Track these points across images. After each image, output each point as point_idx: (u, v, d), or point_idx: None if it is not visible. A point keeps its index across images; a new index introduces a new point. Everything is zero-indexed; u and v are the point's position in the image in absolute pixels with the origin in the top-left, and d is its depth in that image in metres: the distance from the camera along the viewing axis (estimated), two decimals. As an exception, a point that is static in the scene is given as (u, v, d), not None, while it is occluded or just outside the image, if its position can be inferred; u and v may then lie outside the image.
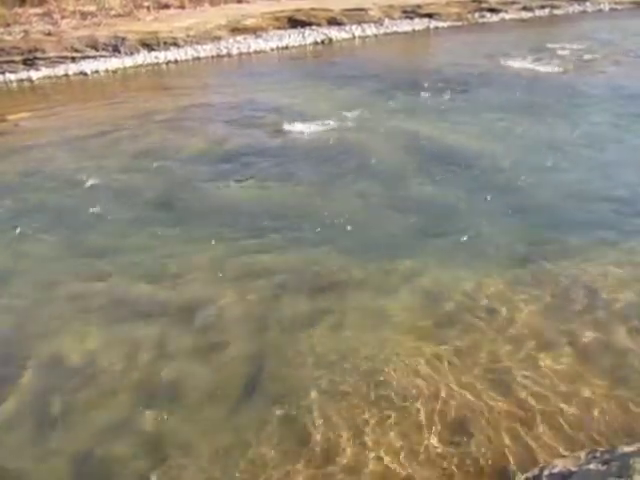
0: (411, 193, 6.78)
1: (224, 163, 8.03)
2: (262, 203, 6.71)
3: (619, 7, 20.82)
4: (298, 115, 9.99)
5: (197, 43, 17.00)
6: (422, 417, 3.45)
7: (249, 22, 18.76)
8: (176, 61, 15.99)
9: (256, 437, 3.41)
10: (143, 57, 16.01)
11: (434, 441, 3.28)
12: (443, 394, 3.63)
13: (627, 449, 2.52)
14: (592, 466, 2.34)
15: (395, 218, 6.18)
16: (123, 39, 16.39)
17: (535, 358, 3.95)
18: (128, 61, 15.70)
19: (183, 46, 16.76)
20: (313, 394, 3.71)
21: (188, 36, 17.22)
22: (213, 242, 5.80)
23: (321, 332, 4.35)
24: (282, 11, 19.73)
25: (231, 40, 17.56)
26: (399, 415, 3.51)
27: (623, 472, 2.16)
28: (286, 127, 9.40)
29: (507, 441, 3.21)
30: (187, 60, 16.10)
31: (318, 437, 3.38)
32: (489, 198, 6.50)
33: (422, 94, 11.02)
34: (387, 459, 3.18)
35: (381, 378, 3.82)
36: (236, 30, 18.33)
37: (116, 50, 16.05)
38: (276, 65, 15.40)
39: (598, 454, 2.58)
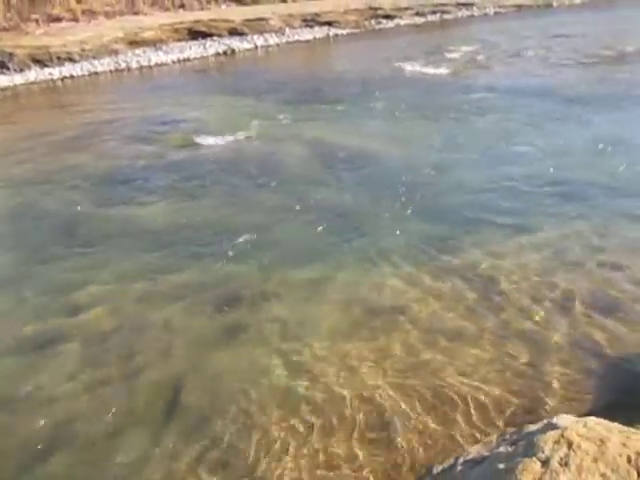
0: (320, 199, 6.91)
1: (130, 181, 7.80)
2: (170, 220, 6.59)
3: (503, 11, 22.30)
4: (204, 128, 9.90)
5: (94, 57, 16.39)
6: (345, 419, 3.54)
7: (147, 34, 18.33)
8: (72, 77, 15.33)
9: (178, 466, 3.34)
10: (35, 73, 15.22)
11: (356, 441, 3.36)
12: (364, 394, 3.73)
13: (532, 427, 2.72)
14: (502, 449, 2.52)
15: (306, 226, 6.27)
16: (11, 54, 15.49)
17: (448, 350, 4.15)
18: (18, 78, 14.86)
19: (79, 61, 16.10)
20: (233, 410, 3.69)
21: (83, 50, 16.55)
22: (121, 264, 5.63)
23: (239, 346, 4.34)
24: (181, 22, 19.45)
25: (130, 53, 17.08)
26: (323, 420, 3.57)
27: (529, 451, 2.34)
28: (192, 141, 9.28)
29: (426, 434, 3.37)
30: (84, 75, 15.49)
31: (246, 457, 3.38)
32: (394, 199, 6.75)
33: (326, 101, 11.27)
34: (310, 464, 3.24)
35: (303, 387, 3.87)
36: (134, 43, 17.86)
37: (4, 67, 15.13)
38: (179, 78, 15.15)
39: (508, 436, 2.77)
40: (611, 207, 6.25)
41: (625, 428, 2.56)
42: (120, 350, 4.39)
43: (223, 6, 22.74)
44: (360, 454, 3.27)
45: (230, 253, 5.77)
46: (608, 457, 2.25)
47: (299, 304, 4.87)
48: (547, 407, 3.48)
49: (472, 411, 3.51)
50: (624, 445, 2.34)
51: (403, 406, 3.60)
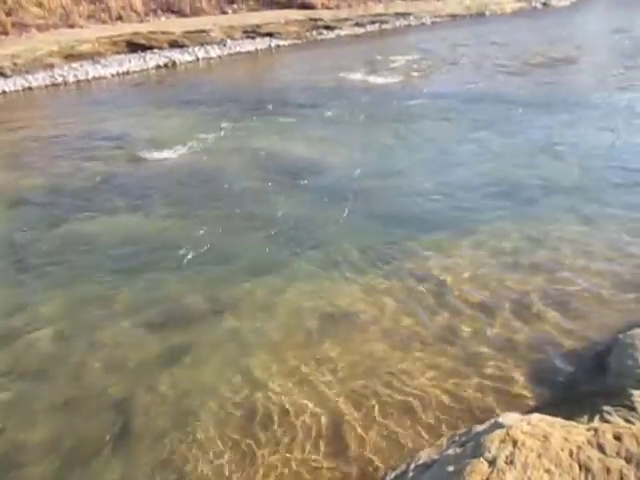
0: (269, 210, 6.90)
1: (74, 198, 7.56)
2: (118, 237, 6.43)
3: (439, 20, 22.96)
4: (148, 142, 9.72)
5: (27, 72, 15.80)
6: (298, 430, 3.53)
7: (84, 47, 17.84)
8: (4, 92, 14.74)
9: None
10: (-36, 90, 14.56)
11: (310, 451, 3.36)
12: (317, 404, 3.74)
13: (480, 428, 2.80)
14: (451, 451, 2.57)
15: (256, 237, 6.25)
16: (-64, 71, 14.77)
17: (399, 355, 4.22)
18: (-54, 96, 14.18)
19: (11, 76, 15.49)
20: (185, 429, 3.63)
21: (15, 65, 15.94)
22: (67, 283, 5.45)
23: (191, 363, 4.27)
24: (119, 35, 19.04)
25: (66, 67, 16.57)
26: (277, 432, 3.55)
27: (476, 451, 2.40)
28: (137, 155, 9.10)
29: (379, 440, 3.40)
30: (17, 91, 14.92)
31: (200, 475, 3.32)
32: (343, 206, 6.82)
33: (270, 112, 11.28)
34: (264, 478, 3.22)
35: (256, 400, 3.84)
36: (71, 56, 17.34)
37: None
38: (119, 91, 14.81)
39: (457, 437, 2.84)
40: (550, 205, 6.54)
41: (567, 422, 2.67)
42: (67, 371, 4.24)
43: (162, 18, 22.42)
44: (314, 464, 3.27)
45: (179, 268, 5.68)
46: (551, 453, 2.34)
47: (251, 317, 4.84)
48: (495, 406, 3.58)
49: (424, 414, 3.57)
50: (566, 439, 2.44)
51: (356, 413, 3.63)
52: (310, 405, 3.76)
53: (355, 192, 7.28)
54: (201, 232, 6.42)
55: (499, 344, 4.26)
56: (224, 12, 23.10)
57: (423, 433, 3.41)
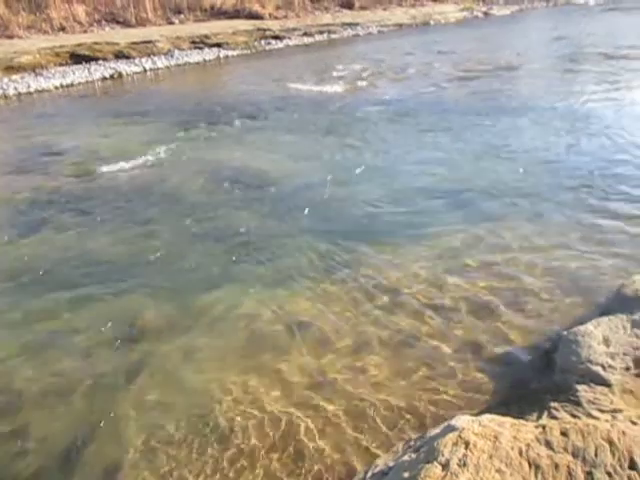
0: (222, 223, 6.84)
1: (21, 216, 7.27)
2: (70, 254, 6.22)
3: (385, 30, 23.40)
4: (97, 156, 9.48)
5: (-37, 86, 15.20)
6: (254, 446, 3.50)
7: (25, 59, 17.30)
8: (-61, 108, 14.11)
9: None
10: None
11: (265, 467, 3.34)
12: (272, 419, 3.72)
13: (434, 432, 2.84)
14: (406, 457, 2.60)
15: (208, 251, 6.18)
16: None
17: (352, 363, 4.24)
18: None
19: (-54, 90, 14.86)
20: (139, 453, 3.54)
21: (-50, 78, 15.31)
22: (16, 305, 5.23)
23: (143, 385, 4.17)
24: (62, 46, 18.57)
25: (6, 80, 16.00)
26: (234, 451, 3.51)
27: (430, 456, 2.44)
28: (86, 170, 8.85)
29: (335, 451, 3.40)
30: (-47, 106, 14.30)
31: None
32: (296, 217, 6.84)
33: (221, 122, 11.20)
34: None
35: (210, 420, 3.79)
36: (10, 68, 16.77)
37: None
38: (63, 104, 14.41)
39: (412, 443, 2.87)
40: (498, 207, 6.74)
41: (516, 421, 2.74)
42: (18, 397, 4.07)
43: (107, 28, 22.01)
44: (267, 478, 3.24)
45: (131, 284, 5.54)
46: (502, 452, 2.40)
47: (206, 331, 4.77)
48: (449, 408, 3.64)
49: (379, 421, 3.60)
50: (515, 438, 2.50)
51: (311, 424, 3.62)
52: (264, 418, 3.73)
53: (308, 201, 7.30)
54: (154, 246, 6.30)
55: (451, 345, 4.35)
56: (171, 22, 22.87)
57: (379, 440, 3.43)
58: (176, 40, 20.15)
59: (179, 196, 7.70)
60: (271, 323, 4.81)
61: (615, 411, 2.92)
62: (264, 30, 21.77)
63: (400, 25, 24.22)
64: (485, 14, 27.17)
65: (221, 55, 19.64)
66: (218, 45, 20.21)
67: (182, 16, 23.25)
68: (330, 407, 3.79)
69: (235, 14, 23.44)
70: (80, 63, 17.91)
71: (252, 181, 8.09)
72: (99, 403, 4.00)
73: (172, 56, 19.04)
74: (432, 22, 24.99)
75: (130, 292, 5.42)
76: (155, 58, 18.73)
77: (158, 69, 18.01)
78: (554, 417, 2.91)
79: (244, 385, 4.08)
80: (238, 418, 3.76)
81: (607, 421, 2.69)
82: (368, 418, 3.66)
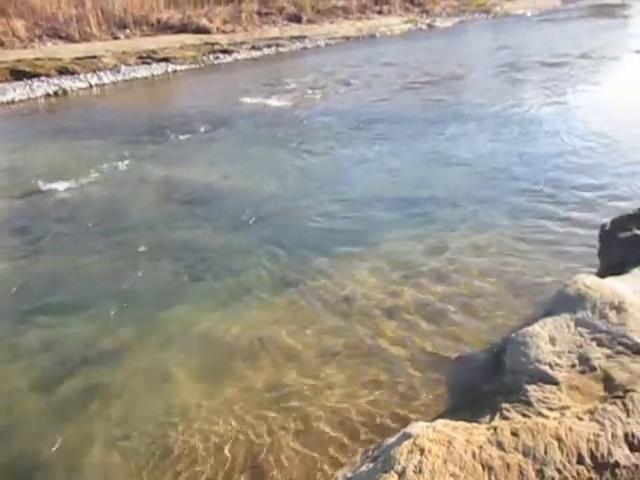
0: (172, 240, 6.75)
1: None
2: (11, 278, 6.00)
3: (333, 42, 23.72)
4: (40, 175, 9.16)
5: None
6: (215, 464, 3.45)
7: (-39, 77, 16.67)
8: None
9: None
10: None
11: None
12: (233, 434, 3.68)
13: (390, 440, 2.87)
14: (364, 467, 2.62)
15: (160, 270, 6.07)
16: None
17: (310, 375, 4.25)
18: None
19: None
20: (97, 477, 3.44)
21: None
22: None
23: (97, 410, 4.05)
24: (1, 62, 17.97)
25: (-59, 99, 15.38)
26: (200, 470, 3.46)
27: (387, 465, 2.46)
28: (28, 190, 8.56)
29: (297, 466, 3.40)
30: None
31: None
32: (246, 231, 6.82)
33: (170, 138, 11.07)
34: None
35: (170, 440, 3.71)
36: (-55, 87, 16.12)
37: None
38: (4, 122, 13.92)
39: (370, 453, 2.89)
40: (447, 214, 6.90)
41: (469, 424, 2.80)
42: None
43: (49, 44, 21.44)
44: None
45: (79, 309, 5.38)
46: (456, 456, 2.44)
47: (161, 352, 4.68)
48: (405, 415, 3.69)
49: (338, 433, 3.61)
50: (468, 441, 2.55)
51: (271, 441, 3.60)
52: (224, 436, 3.69)
53: (260, 214, 7.29)
54: (102, 267, 6.15)
55: (406, 352, 4.42)
56: (116, 37, 22.50)
57: (340, 452, 3.45)
58: (122, 55, 19.82)
59: (127, 214, 7.55)
60: (227, 340, 4.78)
61: (563, 408, 3.02)
62: (212, 44, 21.69)
63: (347, 38, 24.59)
64: (429, 26, 27.92)
65: (169, 70, 19.43)
66: (166, 60, 19.99)
67: (128, 31, 22.90)
68: (290, 421, 3.78)
69: (182, 28, 23.26)
70: (21, 79, 17.37)
71: (203, 196, 8.02)
72: (50, 432, 3.86)
73: (119, 71, 18.71)
74: (378, 34, 25.49)
75: (76, 317, 5.25)
76: (101, 74, 18.35)
77: (104, 85, 17.65)
78: (505, 418, 2.98)
79: (201, 404, 4.03)
80: (196, 438, 3.70)
81: (555, 419, 2.78)
82: (328, 430, 3.67)
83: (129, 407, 4.06)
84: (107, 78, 18.24)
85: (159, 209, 7.71)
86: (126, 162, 9.72)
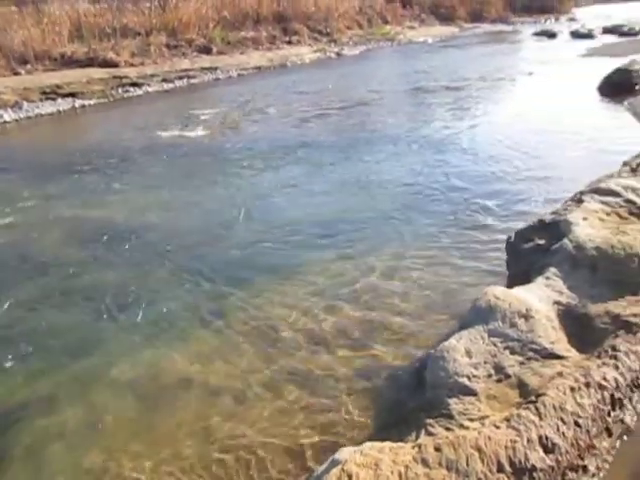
0: (89, 282, 6.46)
1: None
2: None
3: (245, 73, 23.86)
4: None
5: None
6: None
7: None
8: None
9: None
10: None
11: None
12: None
13: (320, 469, 2.86)
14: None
15: (76, 314, 5.78)
16: None
17: (237, 409, 4.17)
18: None
19: None
20: None
21: None
22: None
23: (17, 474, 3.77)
24: None
25: None
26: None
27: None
28: None
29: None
30: None
31: None
32: (167, 267, 6.65)
33: (80, 176, 10.65)
34: None
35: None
36: None
37: None
38: None
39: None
40: (366, 237, 7.03)
41: (394, 444, 2.84)
42: None
43: (-59, 83, 20.15)
44: None
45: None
46: (383, 479, 2.47)
47: (77, 405, 4.42)
48: (335, 443, 3.69)
49: (269, 468, 3.55)
50: (394, 462, 2.59)
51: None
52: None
53: (181, 248, 7.15)
54: (11, 315, 5.77)
55: (333, 378, 4.44)
56: (17, 73, 21.48)
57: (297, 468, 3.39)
58: (24, 91, 18.94)
59: (39, 258, 7.15)
60: (150, 382, 4.60)
61: (483, 418, 3.13)
62: (121, 78, 21.18)
63: (259, 68, 24.84)
64: (337, 54, 28.77)
65: (77, 105, 18.77)
66: (72, 95, 19.29)
67: (29, 66, 21.95)
68: (221, 457, 3.68)
69: (88, 62, 22.58)
70: None
71: (118, 233, 7.75)
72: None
73: (21, 108, 17.84)
74: (289, 64, 25.95)
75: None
76: (1, 111, 17.44)
77: (5, 123, 16.77)
78: (430, 434, 3.06)
79: (123, 456, 3.83)
80: (119, 491, 3.51)
81: (475, 429, 2.88)
82: (259, 466, 3.59)
83: (39, 467, 3.79)
84: (8, 116, 17.34)
85: (70, 249, 7.37)
86: (34, 202, 9.24)
